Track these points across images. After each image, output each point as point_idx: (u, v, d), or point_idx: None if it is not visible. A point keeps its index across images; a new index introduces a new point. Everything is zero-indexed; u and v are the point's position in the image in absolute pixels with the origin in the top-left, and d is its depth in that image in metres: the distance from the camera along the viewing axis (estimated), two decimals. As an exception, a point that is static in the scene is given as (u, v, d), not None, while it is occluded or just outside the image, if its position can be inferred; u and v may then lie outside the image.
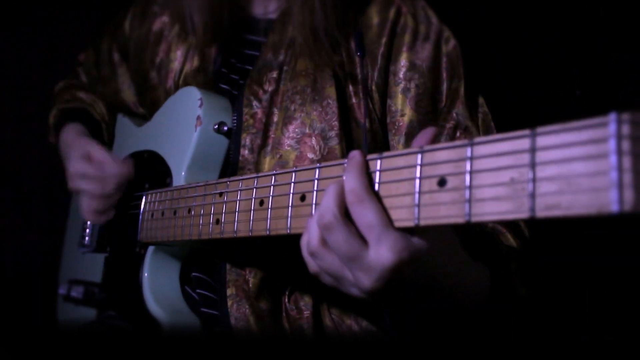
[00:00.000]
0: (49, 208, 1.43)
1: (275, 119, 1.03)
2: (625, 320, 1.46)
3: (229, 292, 1.00)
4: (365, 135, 1.01)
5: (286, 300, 1.01)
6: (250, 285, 0.99)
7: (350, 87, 1.04)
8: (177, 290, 1.05)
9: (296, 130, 1.02)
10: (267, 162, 1.02)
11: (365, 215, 0.60)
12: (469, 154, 0.53)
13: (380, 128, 1.05)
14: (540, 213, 0.47)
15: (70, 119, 1.30)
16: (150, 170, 1.14)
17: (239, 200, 0.81)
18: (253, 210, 0.78)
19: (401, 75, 1.04)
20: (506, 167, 0.50)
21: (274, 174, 0.75)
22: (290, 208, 0.72)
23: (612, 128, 0.43)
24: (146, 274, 1.04)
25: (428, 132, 0.64)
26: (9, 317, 1.72)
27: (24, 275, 1.83)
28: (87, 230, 1.29)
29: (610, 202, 0.43)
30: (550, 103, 1.58)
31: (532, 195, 0.47)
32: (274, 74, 1.05)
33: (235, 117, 1.05)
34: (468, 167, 0.53)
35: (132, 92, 1.34)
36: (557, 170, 0.46)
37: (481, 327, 0.80)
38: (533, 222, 0.76)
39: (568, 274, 1.50)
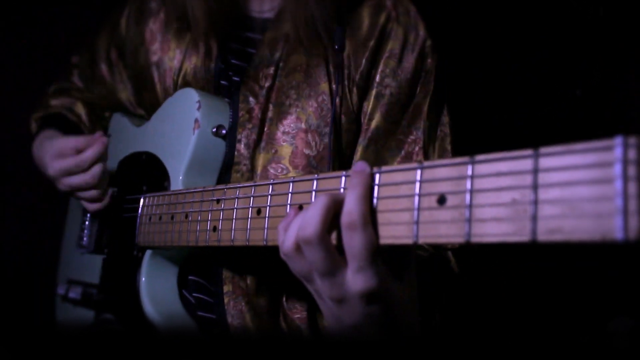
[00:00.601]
0: (48, 208, 1.42)
1: (271, 114, 1.04)
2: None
3: (225, 289, 0.99)
4: (330, 138, 1.00)
5: (284, 299, 1.01)
6: (249, 282, 0.99)
7: (333, 86, 1.04)
8: (175, 295, 1.05)
9: (291, 125, 1.02)
10: (262, 158, 1.02)
11: (355, 243, 0.58)
12: (469, 172, 0.52)
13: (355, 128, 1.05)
14: (542, 237, 0.45)
15: (46, 125, 1.29)
16: (148, 172, 1.13)
17: (236, 209, 0.80)
18: (250, 218, 0.77)
19: (377, 79, 1.04)
20: (508, 188, 0.49)
21: (272, 183, 0.74)
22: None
23: (618, 152, 0.42)
24: (143, 278, 1.03)
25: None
26: (7, 317, 1.72)
27: (23, 274, 1.83)
28: (86, 231, 1.28)
29: (614, 229, 0.41)
30: (551, 103, 1.57)
31: (534, 218, 0.46)
32: (271, 70, 1.05)
33: (231, 113, 1.04)
34: (469, 186, 0.51)
35: (129, 91, 1.33)
36: (560, 193, 0.45)
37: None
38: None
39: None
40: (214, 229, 0.85)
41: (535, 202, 0.46)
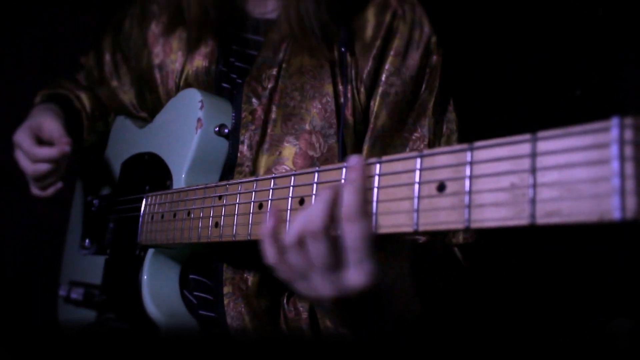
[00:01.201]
0: (50, 208, 1.43)
1: (274, 116, 1.04)
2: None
3: (225, 290, 0.99)
4: (341, 136, 1.00)
5: (285, 301, 1.01)
6: (250, 284, 0.99)
7: (340, 87, 1.04)
8: (177, 293, 1.05)
9: (295, 126, 1.02)
10: (265, 159, 1.02)
11: (354, 235, 0.59)
12: (468, 158, 0.52)
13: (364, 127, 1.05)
14: (541, 220, 0.46)
15: (50, 101, 1.28)
16: (150, 172, 1.13)
17: (238, 204, 0.80)
18: (252, 213, 0.78)
19: (383, 78, 1.04)
20: (506, 172, 0.49)
21: (273, 177, 0.75)
22: (289, 211, 0.71)
23: (614, 133, 0.42)
24: (145, 277, 1.03)
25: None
26: (9, 318, 1.72)
27: (25, 275, 1.83)
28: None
29: (612, 209, 0.42)
30: (550, 103, 1.58)
31: (533, 201, 0.47)
32: (274, 71, 1.05)
33: (234, 114, 1.05)
34: (468, 172, 0.52)
35: (132, 94, 1.34)
36: (558, 176, 0.45)
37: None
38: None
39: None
40: (216, 224, 0.85)
41: (534, 186, 0.47)
